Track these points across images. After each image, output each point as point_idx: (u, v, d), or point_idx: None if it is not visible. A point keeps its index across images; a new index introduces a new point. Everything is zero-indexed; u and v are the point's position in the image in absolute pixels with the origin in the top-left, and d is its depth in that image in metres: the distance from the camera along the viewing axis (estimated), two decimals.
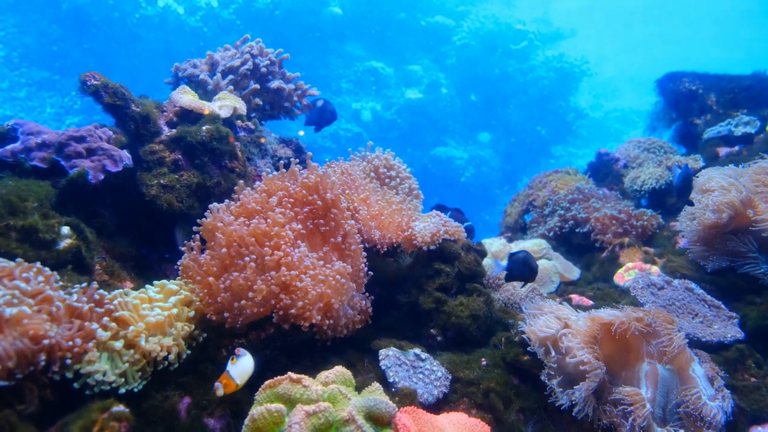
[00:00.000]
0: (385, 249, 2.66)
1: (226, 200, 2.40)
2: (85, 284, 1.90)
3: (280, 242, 2.13)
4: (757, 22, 24.89)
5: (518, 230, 4.68)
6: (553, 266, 3.51)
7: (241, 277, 2.04)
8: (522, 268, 2.56)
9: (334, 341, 2.24)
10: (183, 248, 2.27)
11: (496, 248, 3.65)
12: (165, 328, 1.92)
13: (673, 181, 3.64)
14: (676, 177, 3.51)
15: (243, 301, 2.02)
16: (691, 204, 2.99)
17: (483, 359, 2.31)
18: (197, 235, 2.28)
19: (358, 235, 2.57)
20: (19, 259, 1.78)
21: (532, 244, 3.72)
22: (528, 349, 2.20)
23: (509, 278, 2.69)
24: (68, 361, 1.66)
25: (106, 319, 1.81)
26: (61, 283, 1.83)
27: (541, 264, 3.53)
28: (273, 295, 2.04)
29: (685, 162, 3.94)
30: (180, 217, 2.65)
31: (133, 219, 2.68)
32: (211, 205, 2.32)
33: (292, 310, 2.02)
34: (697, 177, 3.10)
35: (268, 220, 2.20)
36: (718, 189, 2.83)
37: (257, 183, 2.53)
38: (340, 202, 2.47)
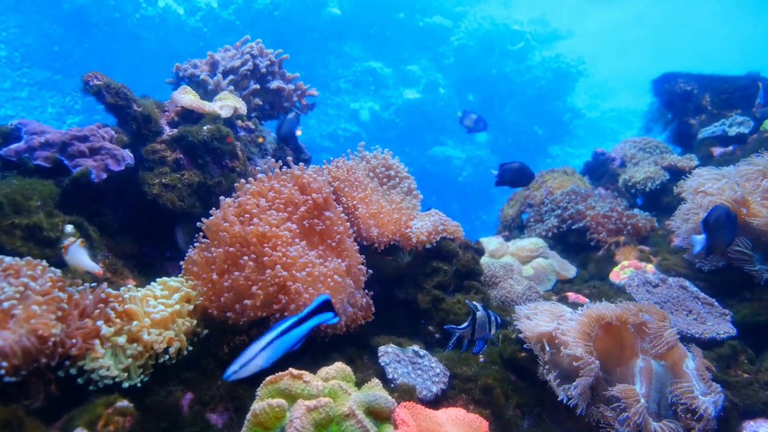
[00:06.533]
0: (384, 247, 2.69)
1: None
2: (95, 284, 1.93)
3: (277, 242, 2.16)
4: (752, 22, 24.98)
5: (515, 229, 4.71)
6: (550, 264, 3.55)
7: (241, 276, 2.07)
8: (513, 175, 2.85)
9: (333, 338, 2.27)
10: (184, 247, 2.30)
11: (494, 247, 3.69)
12: (168, 324, 1.95)
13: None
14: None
15: (246, 301, 2.05)
16: None
17: (480, 356, 2.35)
18: (200, 233, 2.31)
19: (354, 228, 2.59)
20: (27, 258, 1.81)
21: (529, 243, 3.75)
22: (524, 346, 2.24)
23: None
24: (67, 363, 1.69)
25: (112, 315, 1.85)
26: (61, 283, 1.86)
27: (538, 263, 3.56)
28: (272, 297, 2.07)
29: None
30: (181, 216, 2.68)
31: (135, 217, 2.70)
32: (221, 200, 2.34)
33: (286, 313, 2.05)
34: (691, 176, 3.14)
35: (264, 224, 2.22)
36: (714, 189, 2.87)
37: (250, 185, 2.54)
38: (331, 201, 2.49)
